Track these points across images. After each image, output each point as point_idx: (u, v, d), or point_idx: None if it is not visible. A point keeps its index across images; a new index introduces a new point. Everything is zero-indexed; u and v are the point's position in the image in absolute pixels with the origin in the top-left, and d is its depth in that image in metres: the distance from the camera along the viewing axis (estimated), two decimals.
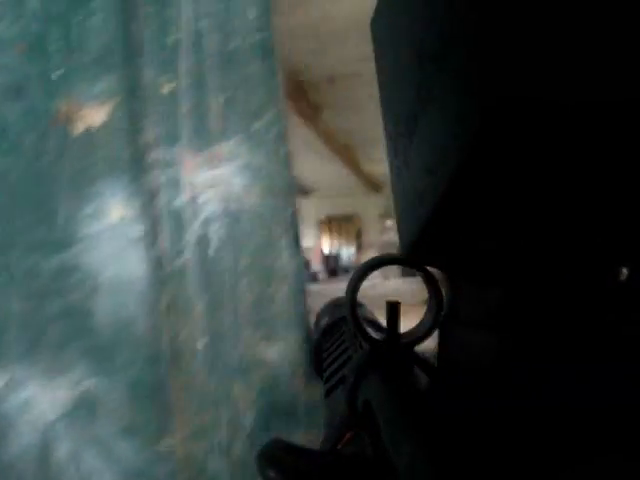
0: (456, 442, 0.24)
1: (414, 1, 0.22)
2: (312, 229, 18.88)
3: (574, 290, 0.23)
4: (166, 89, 0.89)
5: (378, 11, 0.28)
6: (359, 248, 18.78)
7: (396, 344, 0.35)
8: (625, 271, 0.22)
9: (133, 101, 0.88)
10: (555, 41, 0.15)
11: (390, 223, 17.94)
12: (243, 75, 0.88)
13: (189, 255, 0.89)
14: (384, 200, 18.01)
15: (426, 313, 0.35)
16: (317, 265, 18.69)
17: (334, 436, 0.38)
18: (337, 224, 19.29)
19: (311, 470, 0.29)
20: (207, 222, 0.89)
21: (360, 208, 18.18)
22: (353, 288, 0.36)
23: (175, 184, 0.89)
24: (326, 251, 19.46)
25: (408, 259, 0.30)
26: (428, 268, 0.34)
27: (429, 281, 0.33)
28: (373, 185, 16.04)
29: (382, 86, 0.29)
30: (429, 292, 0.34)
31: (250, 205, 0.88)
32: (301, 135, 9.62)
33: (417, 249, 0.26)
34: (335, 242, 19.88)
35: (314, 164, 13.08)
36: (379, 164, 13.18)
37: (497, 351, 0.25)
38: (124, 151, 0.87)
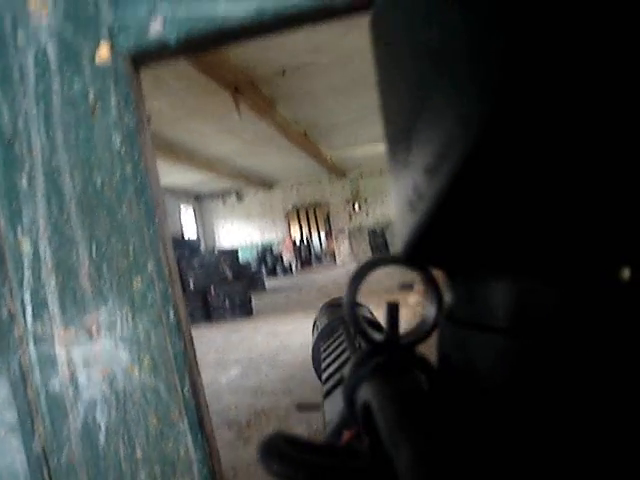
0: (455, 444, 0.24)
1: (413, 0, 0.22)
2: (280, 220, 18.95)
3: (576, 290, 0.23)
4: (24, 245, 0.77)
5: (377, 9, 0.27)
6: (329, 234, 18.93)
7: (395, 344, 0.35)
8: (627, 271, 0.22)
9: None
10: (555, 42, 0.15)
11: (358, 207, 18.08)
12: (114, 221, 0.75)
13: (75, 446, 0.76)
14: (350, 185, 18.16)
15: (426, 313, 0.34)
16: (289, 256, 18.78)
17: (334, 437, 0.38)
18: (305, 213, 19.39)
19: (315, 463, 0.29)
20: (92, 405, 0.76)
21: (326, 195, 18.35)
22: (352, 288, 0.35)
23: (50, 361, 0.76)
24: (297, 241, 19.53)
25: (407, 259, 0.30)
26: (428, 268, 0.33)
27: (429, 281, 0.33)
28: (337, 171, 16.16)
29: (381, 86, 0.28)
30: (429, 292, 0.34)
31: (139, 382, 0.75)
32: (258, 129, 9.67)
33: (417, 249, 0.26)
34: (305, 231, 19.98)
35: (274, 156, 13.20)
36: (340, 150, 13.34)
37: (497, 351, 0.25)
38: None
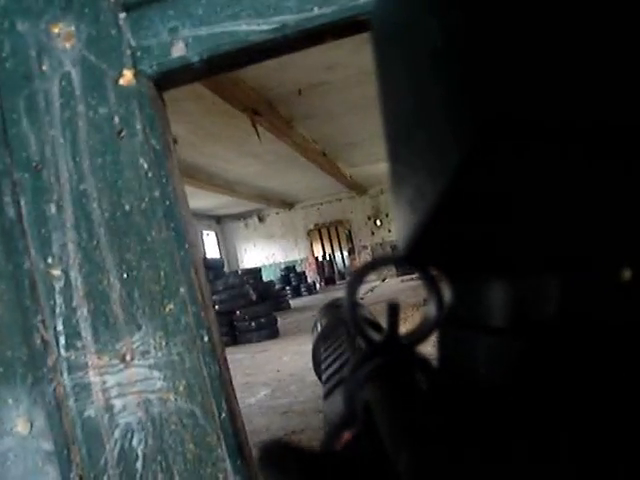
0: (455, 444, 0.23)
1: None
2: (302, 239, 18.98)
3: (577, 290, 0.22)
4: (55, 273, 0.76)
5: (377, 7, 0.27)
6: (352, 251, 18.89)
7: (395, 345, 0.35)
8: (628, 272, 0.21)
9: (19, 291, 0.77)
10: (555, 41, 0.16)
11: (379, 223, 18.06)
12: (144, 246, 0.75)
13: (112, 475, 0.75)
14: (371, 201, 18.16)
15: (426, 314, 0.33)
16: (312, 275, 18.78)
17: (333, 438, 0.37)
18: (327, 231, 19.40)
19: (314, 471, 0.28)
20: (128, 433, 0.75)
21: (348, 212, 18.37)
22: (352, 288, 0.35)
23: (84, 390, 0.76)
24: (320, 259, 19.55)
25: (408, 259, 0.29)
26: (428, 268, 0.32)
27: (429, 281, 0.32)
28: (357, 188, 16.19)
29: (381, 87, 0.28)
30: (429, 292, 0.32)
31: (175, 408, 0.75)
32: (277, 150, 9.72)
33: (417, 249, 0.25)
34: (327, 249, 19.99)
35: (294, 176, 13.25)
36: (360, 167, 13.35)
37: (496, 352, 0.24)
38: (21, 352, 0.76)
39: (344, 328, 0.72)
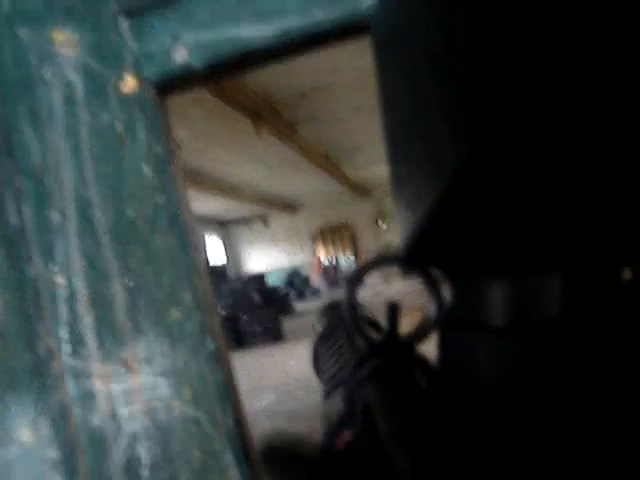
0: (454, 442, 0.23)
1: (413, 2, 0.21)
2: (306, 243, 18.97)
3: (577, 291, 0.22)
4: (59, 280, 0.76)
5: (378, 11, 0.27)
6: (357, 254, 18.87)
7: (395, 344, 0.35)
8: (628, 272, 0.21)
9: (23, 299, 0.76)
10: (549, 43, 0.16)
11: (384, 225, 18.05)
12: (148, 252, 0.75)
13: None
14: (375, 204, 18.15)
15: (426, 313, 0.34)
16: (317, 278, 18.77)
17: (333, 437, 0.37)
18: (331, 234, 19.39)
19: (314, 465, 0.28)
20: (134, 441, 0.75)
21: (351, 215, 18.35)
22: (351, 288, 0.35)
23: (89, 397, 0.76)
24: (324, 263, 19.54)
25: (407, 259, 0.29)
26: (428, 269, 0.32)
27: (429, 281, 0.32)
28: (361, 191, 16.17)
29: (381, 90, 0.28)
30: (429, 292, 0.33)
31: (181, 415, 0.75)
32: (280, 154, 9.72)
33: (417, 250, 0.25)
34: (332, 252, 19.97)
35: (298, 179, 13.24)
36: (363, 169, 13.34)
37: (496, 352, 0.24)
38: (25, 361, 0.76)
39: (343, 328, 0.71)
